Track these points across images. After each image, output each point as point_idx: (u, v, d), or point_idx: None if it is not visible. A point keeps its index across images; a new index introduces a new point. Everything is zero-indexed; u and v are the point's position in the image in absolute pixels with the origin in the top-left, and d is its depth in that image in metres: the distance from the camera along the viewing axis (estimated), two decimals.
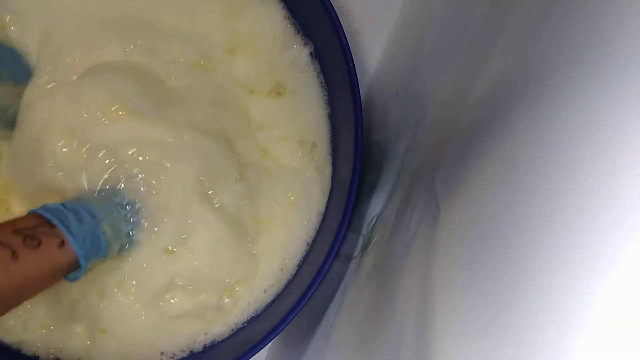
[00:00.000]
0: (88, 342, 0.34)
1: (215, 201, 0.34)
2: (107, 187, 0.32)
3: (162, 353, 0.34)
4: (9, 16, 0.34)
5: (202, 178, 0.33)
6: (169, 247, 0.33)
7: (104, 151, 0.32)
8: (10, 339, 0.34)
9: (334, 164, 0.37)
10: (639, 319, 0.13)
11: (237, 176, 0.35)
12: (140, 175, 0.33)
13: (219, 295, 0.34)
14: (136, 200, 0.32)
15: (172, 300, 0.34)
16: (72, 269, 0.28)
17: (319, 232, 0.36)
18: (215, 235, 0.34)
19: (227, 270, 0.34)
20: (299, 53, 0.37)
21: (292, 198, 0.36)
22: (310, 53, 0.36)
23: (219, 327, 0.35)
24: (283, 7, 0.36)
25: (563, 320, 0.14)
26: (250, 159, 0.36)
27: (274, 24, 0.36)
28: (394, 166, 0.35)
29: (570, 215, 0.15)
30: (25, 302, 0.33)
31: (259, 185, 0.35)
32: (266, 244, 0.36)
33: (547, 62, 0.19)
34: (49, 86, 0.33)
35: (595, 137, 0.15)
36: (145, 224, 0.33)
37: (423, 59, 0.34)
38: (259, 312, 0.35)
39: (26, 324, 0.34)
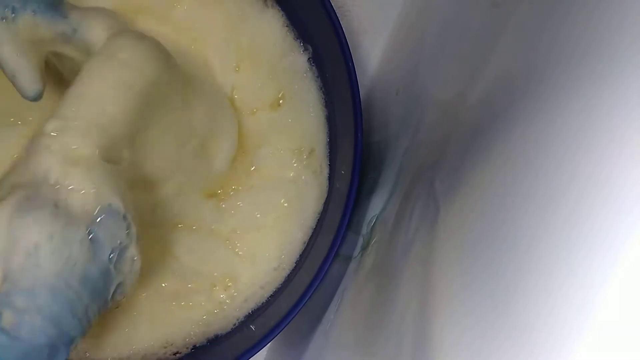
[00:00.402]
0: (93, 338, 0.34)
1: (193, 227, 0.35)
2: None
3: (165, 347, 0.35)
4: None
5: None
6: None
7: None
8: None
9: (332, 165, 0.37)
10: None
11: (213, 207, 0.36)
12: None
13: (209, 283, 0.35)
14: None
15: (163, 285, 0.35)
16: None
17: (317, 232, 0.36)
18: (197, 247, 0.35)
19: (211, 267, 0.35)
20: (297, 59, 0.36)
21: (285, 205, 0.36)
22: (309, 59, 0.36)
23: (219, 321, 0.35)
24: (282, 15, 0.36)
25: (564, 322, 0.14)
26: (235, 185, 0.36)
27: (274, 33, 0.36)
28: (393, 166, 0.35)
29: (571, 215, 0.15)
30: None
31: (242, 203, 0.36)
32: (256, 246, 0.36)
33: (548, 62, 0.19)
34: None
35: (595, 137, 0.15)
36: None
37: (423, 59, 0.35)
38: (257, 306, 0.36)
39: None
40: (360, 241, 0.36)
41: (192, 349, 0.35)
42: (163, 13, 0.35)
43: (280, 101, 0.37)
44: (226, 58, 0.36)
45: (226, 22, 0.36)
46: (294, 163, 0.37)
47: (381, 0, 0.41)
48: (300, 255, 0.36)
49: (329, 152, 0.37)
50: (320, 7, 0.34)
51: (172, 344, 0.35)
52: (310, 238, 0.36)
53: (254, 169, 0.37)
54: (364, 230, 0.36)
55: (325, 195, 0.36)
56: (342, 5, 0.41)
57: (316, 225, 0.36)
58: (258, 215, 0.36)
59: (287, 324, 0.33)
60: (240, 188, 0.36)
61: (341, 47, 0.34)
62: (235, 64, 0.36)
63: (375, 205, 0.35)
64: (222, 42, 0.36)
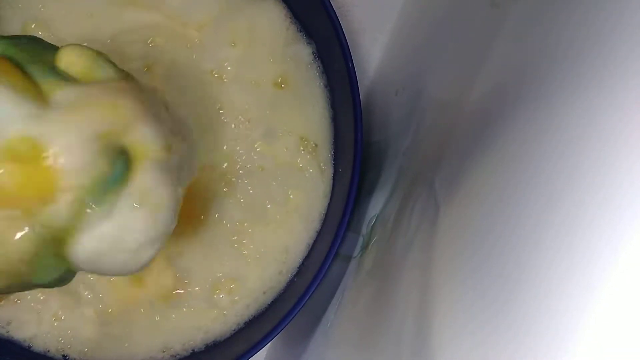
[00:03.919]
0: (98, 328, 0.34)
1: (201, 217, 0.34)
2: None
3: (163, 351, 0.34)
4: (34, 24, 0.34)
5: None
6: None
7: None
8: (24, 334, 0.34)
9: (335, 165, 0.36)
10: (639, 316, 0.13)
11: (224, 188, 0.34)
12: None
13: (211, 287, 0.34)
14: None
15: (166, 287, 0.34)
16: None
17: (320, 233, 0.36)
18: (203, 244, 0.34)
19: (216, 268, 0.34)
20: (302, 50, 0.36)
21: (291, 197, 0.35)
22: (313, 52, 0.36)
23: (219, 326, 0.35)
24: (285, 7, 0.36)
25: (563, 317, 0.14)
26: (241, 164, 0.35)
27: (276, 21, 0.36)
28: (393, 166, 0.35)
29: (569, 213, 0.15)
30: (39, 294, 0.33)
31: (251, 188, 0.35)
32: (263, 246, 0.35)
33: (547, 62, 0.19)
34: None
35: (594, 136, 0.15)
36: None
37: (423, 59, 0.35)
38: (259, 313, 0.35)
39: (40, 316, 0.34)
40: (360, 241, 0.36)
41: (191, 352, 0.35)
42: (154, 3, 0.35)
43: (283, 86, 0.36)
44: (221, 34, 0.35)
45: (223, 8, 0.35)
46: (302, 150, 0.36)
47: (381, 0, 0.41)
48: (304, 259, 0.35)
49: (333, 151, 0.36)
50: (320, 8, 0.34)
51: (170, 348, 0.35)
52: (315, 241, 0.36)
53: (262, 146, 0.35)
54: (364, 230, 0.36)
55: (329, 195, 0.36)
56: (342, 5, 0.41)
57: (320, 228, 0.36)
58: (269, 206, 0.35)
59: (287, 324, 0.33)
60: (249, 166, 0.35)
61: (341, 47, 0.34)
62: (231, 40, 0.35)
63: (375, 205, 0.35)
64: (217, 22, 0.35)
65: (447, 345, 0.19)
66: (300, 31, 0.36)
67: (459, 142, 0.25)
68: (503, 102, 0.22)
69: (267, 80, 0.35)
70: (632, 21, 0.15)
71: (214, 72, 0.35)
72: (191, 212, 0.34)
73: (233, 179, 0.35)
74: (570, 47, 0.18)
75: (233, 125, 0.35)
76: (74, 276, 0.24)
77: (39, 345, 0.34)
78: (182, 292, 0.34)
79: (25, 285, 0.24)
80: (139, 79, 0.33)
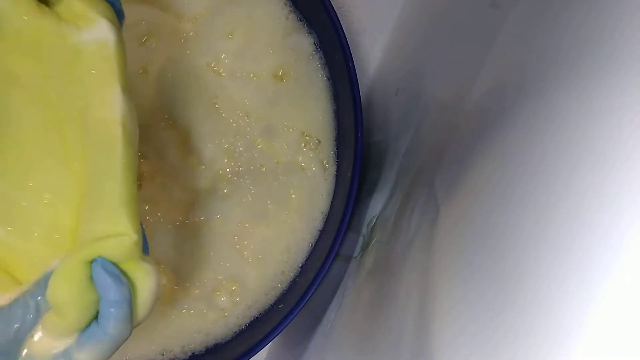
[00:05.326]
0: None
1: (201, 218, 0.34)
2: None
3: (162, 354, 0.34)
4: None
5: None
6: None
7: None
8: None
9: (338, 162, 0.36)
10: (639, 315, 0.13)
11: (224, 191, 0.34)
12: None
13: (211, 289, 0.34)
14: None
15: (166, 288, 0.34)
16: None
17: (322, 233, 0.35)
18: (202, 246, 0.34)
19: (216, 270, 0.34)
20: (303, 40, 0.35)
21: (293, 196, 0.34)
22: (314, 42, 0.35)
23: (220, 328, 0.34)
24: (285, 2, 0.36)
25: (563, 318, 0.14)
26: (242, 162, 0.34)
27: (274, 9, 0.35)
28: (394, 166, 0.35)
29: (569, 213, 0.15)
30: None
31: (252, 187, 0.34)
32: (264, 246, 0.34)
33: (547, 63, 0.19)
34: None
35: (594, 136, 0.15)
36: None
37: (423, 59, 0.34)
38: (260, 314, 0.35)
39: None
40: (361, 241, 0.36)
41: (191, 354, 0.34)
42: None
43: (284, 79, 0.35)
44: (217, 26, 0.34)
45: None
46: (303, 147, 0.35)
47: (381, 0, 0.41)
48: (306, 259, 0.35)
49: (336, 149, 0.36)
50: (320, 8, 0.34)
51: (170, 351, 0.34)
52: (317, 241, 0.35)
53: (263, 143, 0.34)
54: (364, 230, 0.35)
55: (332, 195, 0.35)
56: (342, 5, 0.41)
57: (323, 227, 0.35)
58: (270, 206, 0.34)
59: (287, 324, 0.32)
60: (249, 165, 0.34)
61: (342, 49, 0.33)
62: (228, 31, 0.35)
63: (376, 206, 0.35)
64: (213, 13, 0.35)
65: (447, 346, 0.19)
66: (301, 20, 0.35)
67: (459, 142, 0.25)
68: (503, 102, 0.22)
69: (266, 73, 0.35)
70: (632, 22, 0.15)
71: (211, 65, 0.35)
72: (192, 214, 0.34)
73: (234, 179, 0.34)
74: (571, 48, 0.18)
75: (232, 120, 0.34)
76: None
77: None
78: (182, 294, 0.34)
79: None
80: (135, 84, 0.33)
